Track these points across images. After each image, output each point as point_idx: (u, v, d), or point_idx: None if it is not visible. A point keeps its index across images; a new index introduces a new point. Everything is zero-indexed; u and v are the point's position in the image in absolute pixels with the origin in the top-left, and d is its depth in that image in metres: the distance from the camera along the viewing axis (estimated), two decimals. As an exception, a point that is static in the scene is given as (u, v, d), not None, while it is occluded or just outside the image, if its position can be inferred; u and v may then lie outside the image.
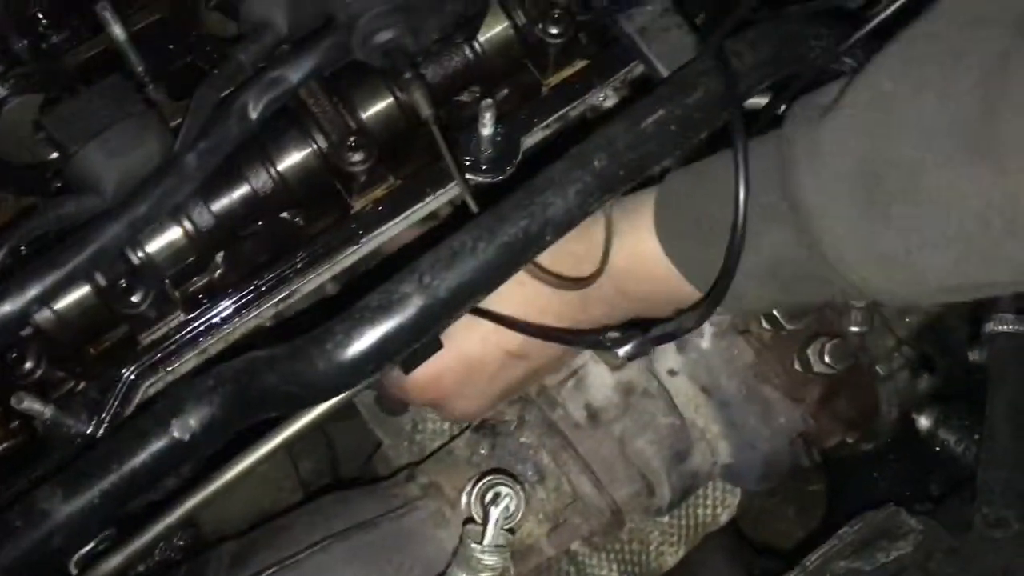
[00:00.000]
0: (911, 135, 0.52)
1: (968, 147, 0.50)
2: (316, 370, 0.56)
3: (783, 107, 0.62)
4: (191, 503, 0.72)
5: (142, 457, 0.58)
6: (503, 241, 0.58)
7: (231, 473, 0.72)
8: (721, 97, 0.60)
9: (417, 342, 0.58)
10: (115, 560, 0.69)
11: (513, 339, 0.71)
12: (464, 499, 0.80)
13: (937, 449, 1.04)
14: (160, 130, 0.65)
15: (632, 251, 0.67)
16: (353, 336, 0.56)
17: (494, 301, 0.66)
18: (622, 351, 0.61)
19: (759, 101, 0.67)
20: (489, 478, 0.77)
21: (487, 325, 0.69)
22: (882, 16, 0.62)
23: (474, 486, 0.77)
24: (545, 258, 0.64)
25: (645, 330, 0.61)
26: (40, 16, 0.76)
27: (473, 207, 0.62)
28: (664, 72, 0.66)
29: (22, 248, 0.62)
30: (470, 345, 0.72)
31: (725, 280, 0.60)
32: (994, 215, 0.50)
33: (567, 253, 0.67)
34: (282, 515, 0.88)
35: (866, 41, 0.62)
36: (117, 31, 0.69)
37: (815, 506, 1.10)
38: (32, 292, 0.59)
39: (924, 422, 1.05)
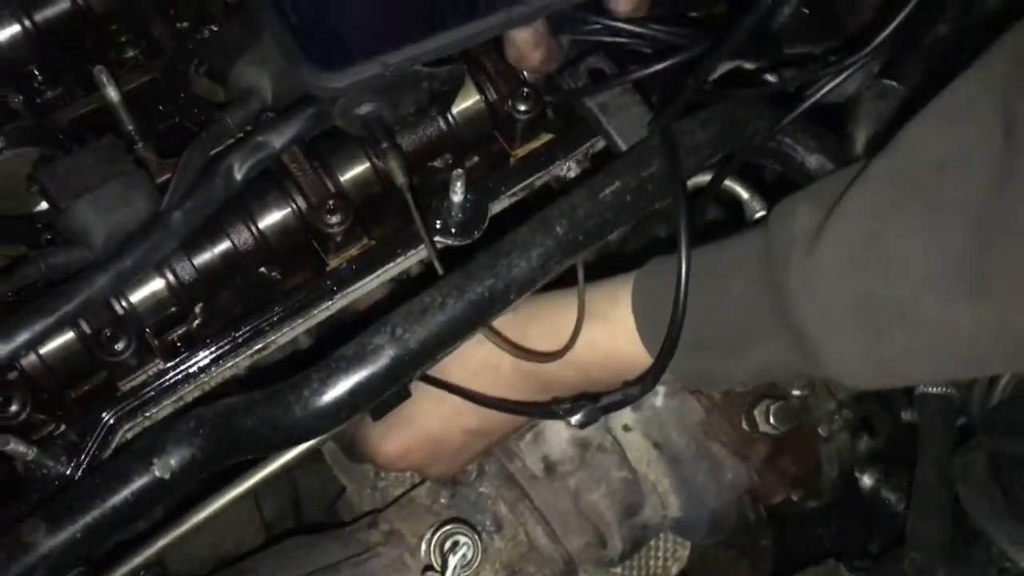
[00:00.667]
0: (903, 276, 0.56)
1: (958, 287, 0.54)
2: (293, 415, 0.60)
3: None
4: (161, 543, 0.75)
5: (124, 494, 0.61)
6: (470, 298, 0.63)
7: (200, 515, 0.76)
8: (672, 166, 0.66)
9: (388, 390, 0.62)
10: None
11: (472, 419, 0.77)
12: (424, 546, 0.83)
13: (879, 507, 1.10)
14: (148, 189, 0.69)
15: (608, 348, 0.72)
16: (328, 384, 0.60)
17: (459, 375, 0.72)
18: (574, 420, 0.66)
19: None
20: (448, 527, 0.81)
21: (447, 408, 0.76)
22: (813, 100, 0.69)
23: (433, 534, 0.81)
24: (517, 333, 0.69)
25: (594, 399, 0.67)
26: (36, 72, 0.80)
27: (439, 270, 0.67)
28: (623, 146, 0.72)
29: (10, 294, 0.66)
30: (432, 426, 0.79)
31: (667, 358, 0.66)
32: (983, 340, 0.55)
33: (540, 330, 0.72)
34: (246, 557, 0.91)
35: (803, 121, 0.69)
36: (111, 93, 0.73)
37: (762, 560, 1.14)
38: (22, 338, 0.62)
39: (867, 481, 1.10)
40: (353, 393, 0.60)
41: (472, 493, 0.88)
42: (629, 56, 0.72)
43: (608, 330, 0.71)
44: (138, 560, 0.74)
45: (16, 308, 0.65)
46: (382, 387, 0.61)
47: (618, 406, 0.68)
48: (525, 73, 0.76)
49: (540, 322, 0.73)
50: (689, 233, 0.63)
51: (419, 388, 0.74)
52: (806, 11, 0.88)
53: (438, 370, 0.73)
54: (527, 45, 0.69)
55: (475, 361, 0.75)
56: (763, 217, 0.67)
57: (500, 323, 0.71)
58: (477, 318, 0.63)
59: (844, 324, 0.59)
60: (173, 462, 0.61)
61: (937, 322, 0.56)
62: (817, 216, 0.60)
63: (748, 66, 0.83)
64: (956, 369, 0.61)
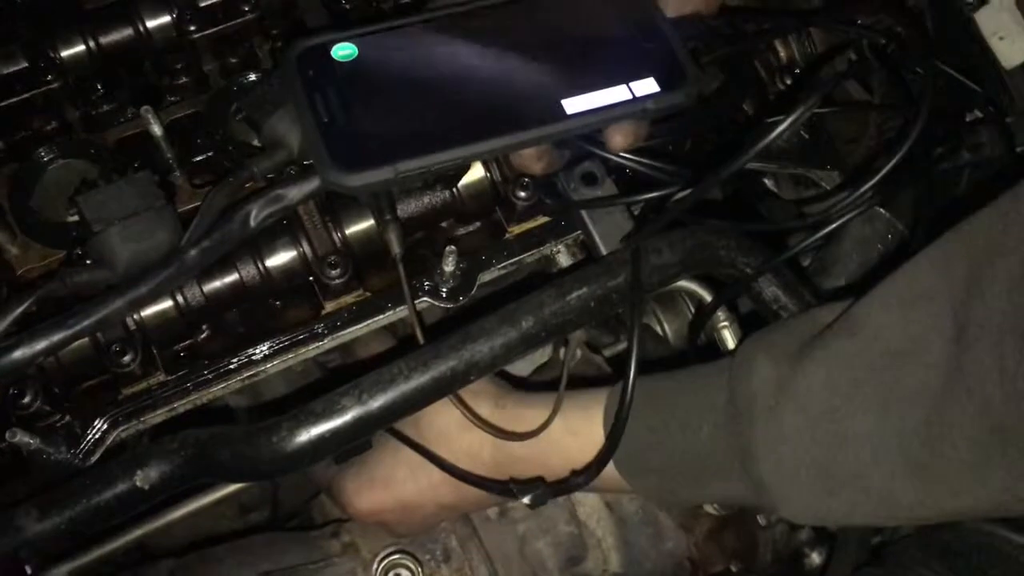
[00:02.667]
0: (855, 450, 0.62)
1: (904, 468, 0.60)
2: (261, 456, 0.68)
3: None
4: (151, 527, 0.85)
5: (107, 496, 0.70)
6: (433, 375, 0.70)
7: (189, 507, 0.86)
8: (633, 285, 0.73)
9: (348, 444, 0.70)
10: (68, 566, 0.82)
11: (448, 495, 0.84)
12: (375, 565, 0.92)
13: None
14: (173, 225, 0.77)
15: (579, 460, 0.79)
16: (295, 433, 0.68)
17: (431, 432, 0.80)
18: (526, 500, 0.75)
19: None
20: (396, 556, 0.89)
21: (425, 480, 0.83)
22: (801, 247, 0.76)
23: (382, 560, 0.89)
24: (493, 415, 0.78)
25: (545, 482, 0.76)
26: (97, 87, 0.89)
27: (420, 339, 0.74)
28: (603, 251, 0.79)
29: (35, 306, 0.74)
30: (407, 494, 0.85)
31: (608, 453, 0.74)
32: (923, 511, 0.62)
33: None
34: (220, 540, 1.00)
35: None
36: (156, 130, 0.81)
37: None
38: (40, 346, 0.71)
39: (815, 559, 1.17)
40: (316, 444, 0.68)
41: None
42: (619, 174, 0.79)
43: (579, 446, 0.78)
44: (127, 538, 0.84)
45: (40, 319, 0.73)
46: (343, 442, 0.69)
47: (564, 491, 0.76)
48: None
49: (523, 424, 0.80)
50: (640, 347, 0.70)
51: (399, 452, 0.81)
52: (806, 135, 0.94)
53: (420, 437, 0.81)
54: (531, 159, 0.77)
55: (459, 447, 0.81)
56: (727, 357, 0.73)
57: (486, 414, 0.80)
58: (437, 392, 0.71)
59: (800, 482, 0.65)
60: (154, 475, 0.69)
61: (883, 491, 0.62)
62: (775, 371, 0.66)
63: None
64: (898, 522, 0.68)
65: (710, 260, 0.76)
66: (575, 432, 0.78)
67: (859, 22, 0.83)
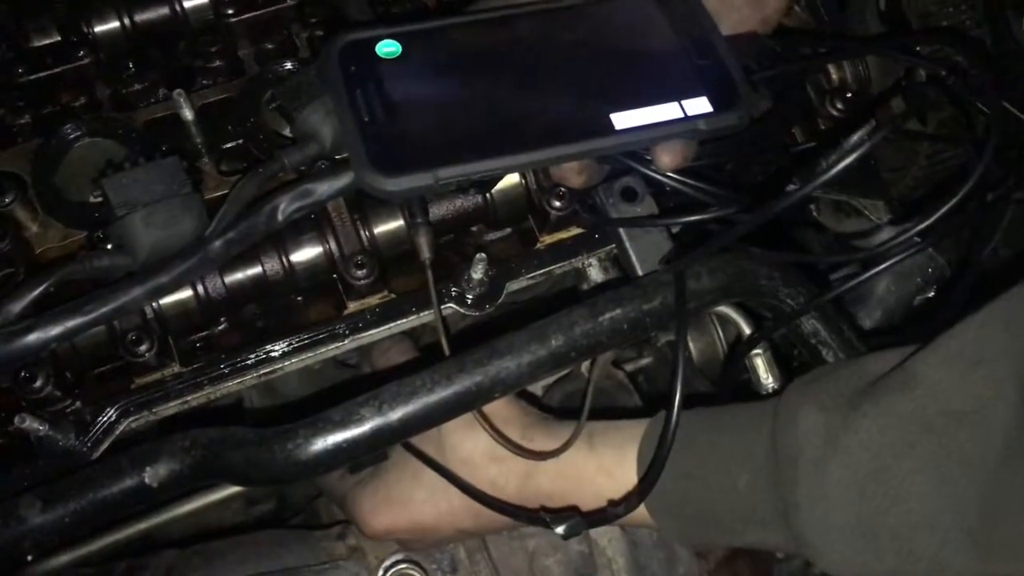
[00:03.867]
0: (905, 513, 0.59)
1: (957, 536, 0.57)
2: (274, 461, 0.66)
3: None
4: (155, 521, 0.84)
5: (113, 491, 0.67)
6: (456, 389, 0.68)
7: (196, 504, 0.84)
8: (673, 310, 0.70)
9: (365, 455, 0.68)
10: (69, 556, 0.80)
11: (467, 521, 0.81)
12: (380, 572, 0.89)
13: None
14: (198, 213, 0.74)
15: (611, 498, 0.76)
16: (312, 441, 0.66)
17: (454, 458, 0.77)
18: (559, 530, 0.71)
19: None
20: (403, 565, 0.86)
21: (445, 505, 0.80)
22: (846, 287, 0.73)
23: (388, 568, 0.87)
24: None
25: (580, 512, 0.73)
26: (130, 65, 0.87)
27: (446, 350, 0.72)
28: (639, 272, 0.76)
29: (52, 288, 0.72)
30: (426, 518, 0.82)
31: (651, 482, 0.71)
32: None
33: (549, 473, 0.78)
34: (224, 532, 0.98)
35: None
36: (187, 114, 0.79)
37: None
38: (54, 332, 0.69)
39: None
40: (332, 453, 0.66)
41: (438, 534, 0.94)
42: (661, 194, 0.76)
43: (612, 486, 0.75)
44: (130, 531, 0.82)
45: (56, 300, 0.71)
46: (360, 453, 0.67)
47: (602, 522, 0.74)
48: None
49: (549, 464, 0.77)
50: (685, 380, 0.67)
51: (420, 473, 0.79)
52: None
53: (444, 462, 0.79)
54: (571, 171, 0.74)
55: (484, 478, 0.79)
56: (770, 401, 0.70)
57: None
58: (459, 407, 0.69)
59: (844, 540, 0.62)
60: (162, 472, 0.67)
61: (933, 557, 0.59)
62: (822, 423, 0.63)
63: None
64: None
65: (751, 290, 0.73)
66: (608, 472, 0.76)
67: (920, 51, 0.80)
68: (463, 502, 0.78)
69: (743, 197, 0.72)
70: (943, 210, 0.67)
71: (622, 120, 0.70)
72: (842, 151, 0.84)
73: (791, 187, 0.85)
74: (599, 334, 0.71)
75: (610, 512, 0.74)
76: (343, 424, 0.66)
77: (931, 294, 1.00)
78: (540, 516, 0.73)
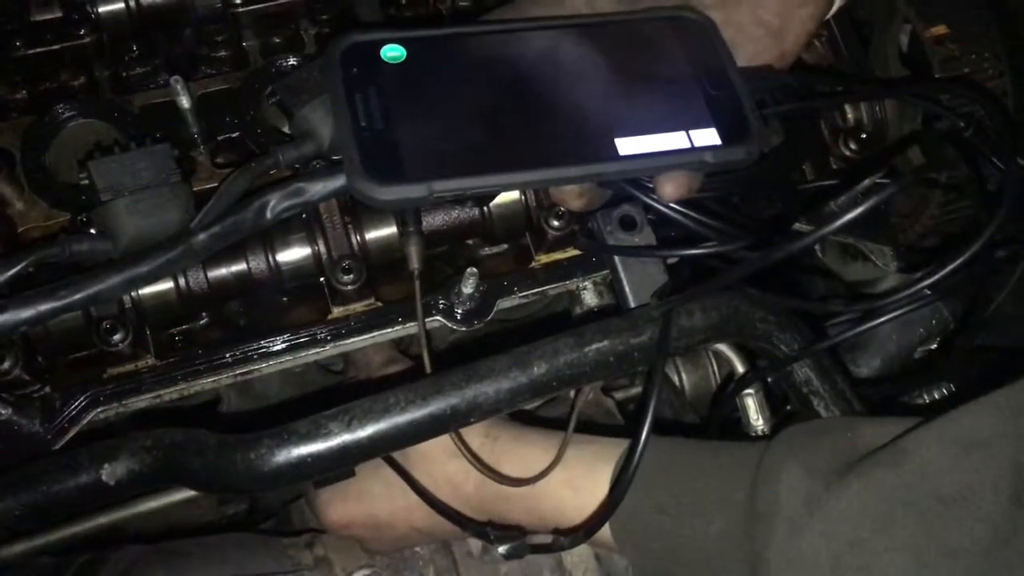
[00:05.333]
0: None
1: None
2: (235, 470, 0.64)
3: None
4: (118, 516, 0.81)
5: (69, 486, 0.65)
6: (431, 411, 0.66)
7: (162, 501, 0.81)
8: (659, 350, 0.68)
9: (330, 471, 0.65)
10: (24, 545, 0.78)
11: (422, 520, 0.80)
12: (346, 586, 0.87)
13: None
14: (185, 203, 0.72)
15: (575, 516, 0.74)
16: (275, 452, 0.64)
17: (420, 469, 0.75)
18: (501, 549, 0.69)
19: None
20: (369, 577, 0.84)
21: (400, 501, 0.78)
22: (845, 336, 0.71)
23: (356, 579, 0.85)
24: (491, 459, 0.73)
25: (525, 534, 0.70)
26: (133, 48, 0.85)
27: (428, 368, 0.70)
28: (632, 303, 0.74)
29: (31, 268, 0.70)
30: (381, 511, 0.81)
31: (600, 523, 0.69)
32: None
33: (513, 468, 0.75)
34: (192, 532, 0.96)
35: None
36: (184, 102, 0.77)
37: None
38: (26, 314, 0.67)
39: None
40: (296, 466, 0.64)
41: (409, 550, 0.91)
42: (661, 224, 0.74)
43: (577, 503, 0.73)
44: (90, 525, 0.80)
45: (33, 283, 0.69)
46: (325, 468, 0.65)
47: (545, 550, 0.71)
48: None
49: (515, 462, 0.75)
50: (654, 417, 0.65)
51: (379, 467, 0.77)
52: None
53: (402, 456, 0.77)
54: (571, 194, 0.72)
55: (442, 474, 0.77)
56: (755, 446, 0.68)
57: (476, 444, 0.75)
58: (432, 430, 0.66)
59: None
60: (120, 471, 0.65)
61: None
62: (805, 485, 0.61)
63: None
64: None
65: (744, 332, 0.71)
66: (575, 488, 0.73)
67: (940, 100, 0.78)
68: (419, 501, 0.77)
69: (746, 234, 0.70)
70: (952, 265, 0.65)
71: (627, 146, 0.68)
72: (857, 195, 0.81)
73: (801, 227, 0.83)
74: (583, 365, 0.68)
75: (557, 542, 0.71)
76: (309, 437, 0.64)
77: (933, 346, 0.98)
78: (485, 531, 0.71)
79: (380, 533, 0.84)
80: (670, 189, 0.69)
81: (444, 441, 0.75)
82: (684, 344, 0.70)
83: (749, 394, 0.82)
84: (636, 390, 0.98)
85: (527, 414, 0.92)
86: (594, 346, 0.69)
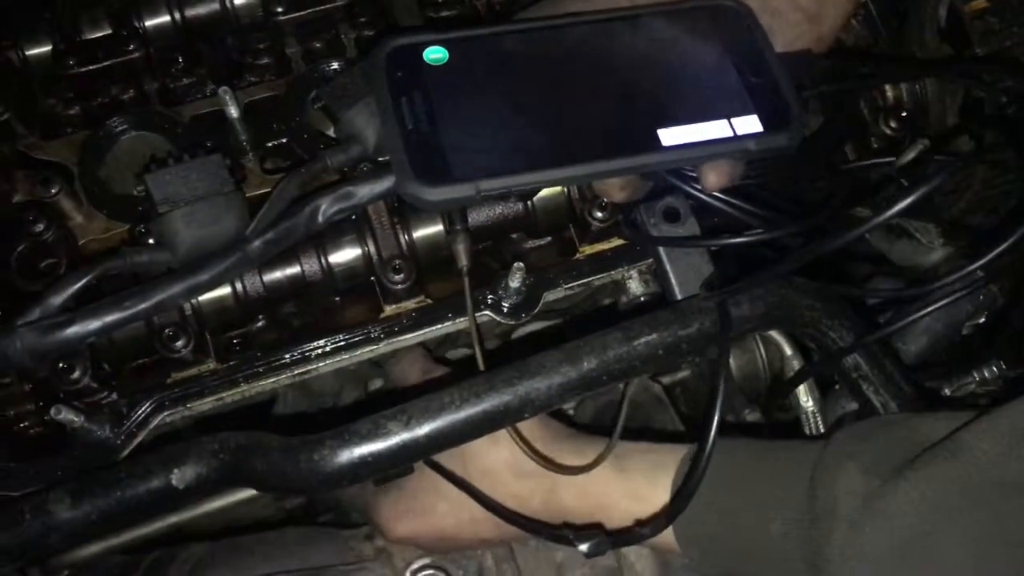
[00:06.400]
0: None
1: None
2: (299, 471, 0.66)
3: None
4: (184, 516, 0.84)
5: (140, 492, 0.68)
6: (485, 408, 0.67)
7: (225, 501, 0.84)
8: (710, 337, 0.69)
9: (391, 470, 0.67)
10: (97, 547, 0.81)
11: (489, 532, 0.80)
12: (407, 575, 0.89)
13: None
14: (239, 212, 0.74)
15: (634, 519, 0.75)
16: (337, 453, 0.66)
17: (477, 469, 0.76)
18: (583, 548, 0.70)
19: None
20: (430, 572, 0.86)
21: (467, 515, 0.79)
22: (898, 326, 0.71)
23: (415, 572, 0.87)
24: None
25: (605, 531, 0.72)
26: (179, 60, 0.87)
27: (481, 366, 0.71)
28: (678, 296, 0.74)
29: (95, 281, 0.72)
30: (447, 527, 0.82)
31: (683, 502, 0.69)
32: None
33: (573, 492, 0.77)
34: (253, 527, 0.99)
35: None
36: (232, 112, 0.79)
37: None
38: (94, 326, 0.69)
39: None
40: (357, 466, 0.66)
41: (465, 539, 0.93)
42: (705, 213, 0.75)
43: (641, 511, 0.74)
44: (161, 525, 0.83)
45: (96, 293, 0.72)
46: (386, 467, 0.66)
47: (627, 543, 0.72)
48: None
49: (574, 484, 0.76)
50: (722, 410, 0.66)
51: (441, 484, 0.78)
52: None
53: (465, 472, 0.78)
54: (614, 187, 0.73)
55: (506, 491, 0.78)
56: (814, 445, 0.69)
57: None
58: (488, 426, 0.68)
59: None
60: (189, 475, 0.68)
61: None
62: (862, 484, 0.62)
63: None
64: None
65: (792, 320, 0.72)
66: (637, 496, 0.75)
67: (982, 77, 0.77)
68: (485, 514, 0.77)
69: (791, 220, 0.70)
70: (1004, 245, 0.65)
71: (669, 137, 0.68)
72: (904, 177, 0.81)
73: (856, 213, 0.83)
74: (633, 358, 0.70)
75: (636, 533, 0.72)
76: (369, 437, 0.66)
77: (981, 320, 0.97)
78: (564, 533, 0.71)
79: (445, 546, 0.85)
80: (713, 178, 0.69)
81: (508, 458, 0.77)
82: (733, 334, 0.70)
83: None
84: (684, 374, 0.99)
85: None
86: (643, 339, 0.70)
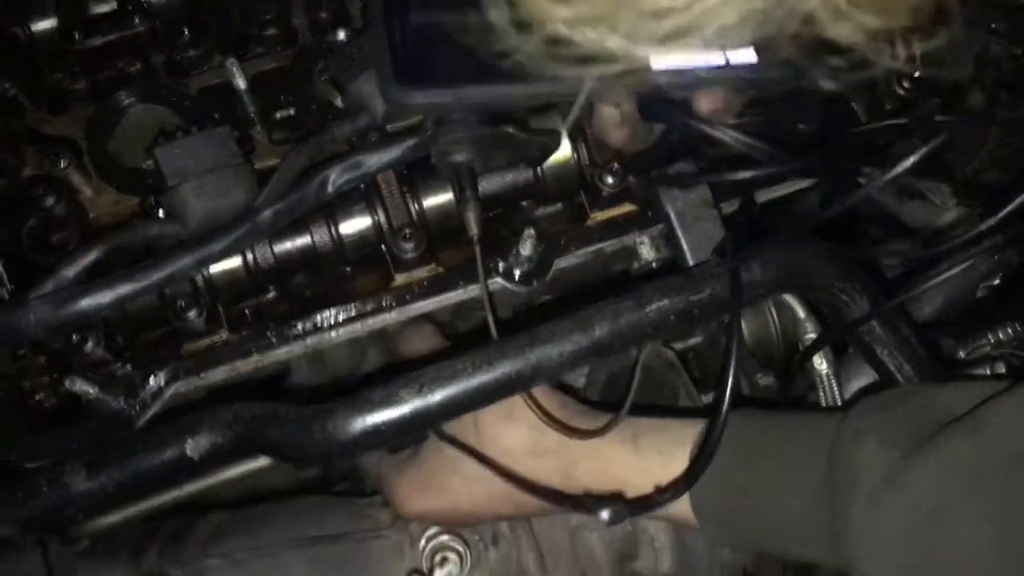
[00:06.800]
0: (964, 559, 0.57)
1: None
2: (312, 440, 0.66)
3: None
4: (202, 485, 0.85)
5: (155, 462, 0.68)
6: (496, 375, 0.67)
7: (243, 468, 0.86)
8: (722, 303, 0.69)
9: (404, 438, 0.68)
10: (117, 516, 0.82)
11: (506, 508, 0.80)
12: (423, 542, 0.90)
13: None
14: (248, 184, 0.75)
15: (658, 482, 0.74)
16: (351, 421, 0.66)
17: (494, 449, 0.77)
18: (603, 516, 0.69)
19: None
20: (445, 537, 0.86)
21: (483, 491, 0.78)
22: (918, 290, 0.70)
23: (430, 539, 0.87)
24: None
25: (623, 498, 0.72)
26: (185, 32, 0.86)
27: (494, 334, 0.71)
28: (690, 261, 0.74)
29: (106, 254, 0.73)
30: (463, 504, 0.81)
31: (702, 466, 0.69)
32: None
33: (587, 466, 0.76)
34: (269, 496, 0.99)
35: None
36: (239, 83, 0.79)
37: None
38: (107, 298, 0.70)
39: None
40: (371, 434, 0.66)
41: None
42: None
43: (663, 475, 0.73)
44: (178, 494, 0.84)
45: (107, 266, 0.72)
46: (399, 434, 0.67)
47: (647, 509, 0.72)
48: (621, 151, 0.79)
49: (590, 462, 0.76)
50: (737, 373, 0.66)
51: (457, 461, 0.78)
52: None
53: (480, 449, 0.78)
54: (611, 122, 0.72)
55: (524, 470, 0.77)
56: (833, 417, 0.68)
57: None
58: (500, 392, 0.68)
59: (892, 571, 0.61)
60: (204, 444, 0.68)
61: None
62: (882, 457, 0.61)
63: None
64: None
65: (806, 283, 0.71)
66: (654, 475, 0.74)
67: (995, 28, 0.76)
68: (503, 490, 0.76)
69: (795, 157, 0.68)
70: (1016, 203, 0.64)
71: (658, 61, 0.67)
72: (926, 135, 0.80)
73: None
74: (644, 325, 0.69)
75: (654, 499, 0.72)
76: (383, 404, 0.66)
77: (996, 281, 0.96)
78: (584, 501, 0.71)
79: (462, 522, 0.85)
80: (706, 102, 0.68)
81: (524, 438, 0.77)
82: (746, 299, 0.70)
83: (810, 339, 0.82)
84: (696, 340, 0.99)
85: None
86: (654, 305, 0.69)
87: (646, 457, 0.75)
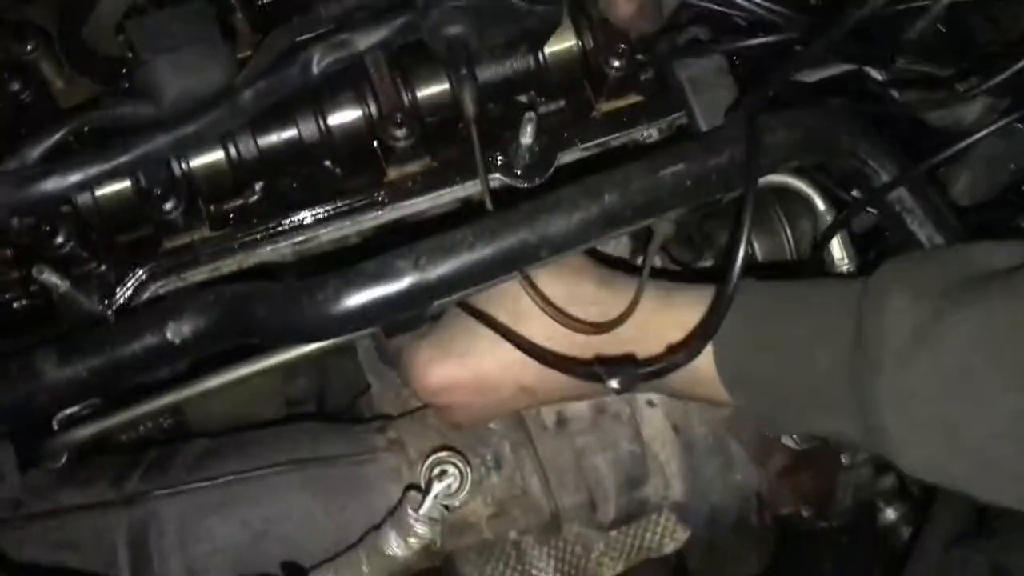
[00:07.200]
0: (993, 418, 0.55)
1: None
2: (303, 315, 0.61)
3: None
4: (182, 394, 0.78)
5: (134, 347, 0.63)
6: (500, 246, 0.62)
7: (226, 377, 0.78)
8: (742, 167, 0.64)
9: (399, 314, 0.62)
10: (95, 427, 0.76)
11: (530, 376, 0.75)
12: (420, 465, 0.85)
13: (894, 543, 1.07)
14: (227, 61, 0.69)
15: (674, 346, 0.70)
16: (344, 293, 0.61)
17: (515, 318, 0.72)
18: (613, 383, 0.64)
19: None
20: (444, 453, 0.81)
21: (508, 356, 0.73)
22: (942, 156, 0.66)
23: (429, 456, 0.82)
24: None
25: (636, 365, 0.67)
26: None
27: (488, 205, 0.66)
28: (703, 126, 0.69)
29: (72, 136, 0.67)
30: (489, 369, 0.76)
31: (717, 321, 0.64)
32: None
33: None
34: (261, 428, 0.94)
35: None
36: (220, -37, 0.74)
37: (762, 561, 1.13)
38: (74, 178, 0.65)
39: (890, 515, 1.08)
40: (365, 307, 0.61)
41: (482, 426, 0.89)
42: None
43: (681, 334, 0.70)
44: (157, 404, 0.78)
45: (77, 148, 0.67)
46: (394, 310, 0.62)
47: (660, 374, 0.66)
48: (628, 32, 0.74)
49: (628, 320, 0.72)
50: (750, 233, 0.61)
51: (478, 326, 0.73)
52: (942, 28, 0.83)
53: (500, 308, 0.73)
54: None
55: (540, 327, 0.73)
56: (859, 279, 0.64)
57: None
58: (503, 267, 0.63)
59: (926, 439, 0.59)
60: (185, 329, 0.63)
61: (1011, 474, 0.56)
62: (913, 314, 0.58)
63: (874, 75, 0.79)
64: (1012, 502, 0.59)
65: (830, 148, 0.66)
66: (683, 326, 0.69)
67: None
68: (527, 357, 0.71)
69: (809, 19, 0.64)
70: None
71: None
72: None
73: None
74: (658, 190, 0.64)
75: (669, 362, 0.66)
76: (378, 277, 0.61)
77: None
78: (594, 370, 0.66)
79: (483, 396, 0.79)
80: None
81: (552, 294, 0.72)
82: (768, 163, 0.65)
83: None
84: (707, 263, 0.94)
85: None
86: (669, 170, 0.64)
87: (679, 308, 0.71)
